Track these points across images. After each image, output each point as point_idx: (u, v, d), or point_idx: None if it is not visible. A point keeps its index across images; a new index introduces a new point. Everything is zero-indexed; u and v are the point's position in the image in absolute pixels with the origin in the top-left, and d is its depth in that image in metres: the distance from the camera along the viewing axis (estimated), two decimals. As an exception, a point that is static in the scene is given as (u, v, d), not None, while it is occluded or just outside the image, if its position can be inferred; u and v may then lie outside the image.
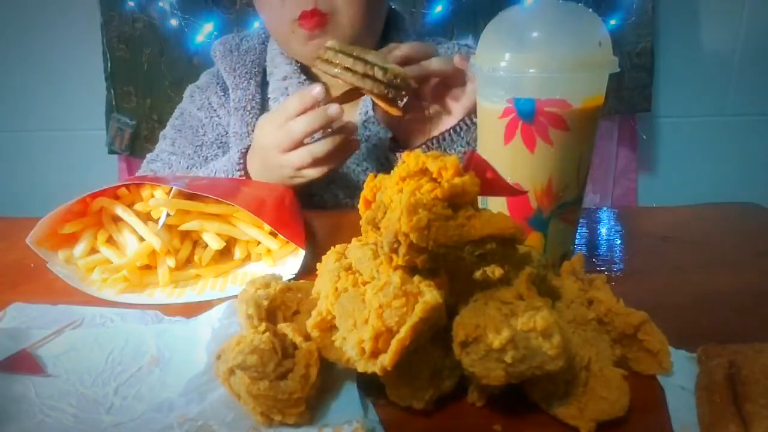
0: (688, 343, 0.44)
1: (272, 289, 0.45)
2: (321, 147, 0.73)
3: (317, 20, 0.82)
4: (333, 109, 0.71)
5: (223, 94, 0.97)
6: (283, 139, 0.73)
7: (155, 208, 0.60)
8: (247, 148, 0.81)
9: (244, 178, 0.80)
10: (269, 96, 0.94)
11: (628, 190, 1.71)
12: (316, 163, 0.73)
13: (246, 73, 0.95)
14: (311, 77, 0.92)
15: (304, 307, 0.45)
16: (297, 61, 0.92)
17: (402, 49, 0.75)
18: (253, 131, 0.89)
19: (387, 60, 0.72)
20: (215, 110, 0.98)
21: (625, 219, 0.78)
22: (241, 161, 0.81)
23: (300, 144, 0.73)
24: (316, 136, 0.74)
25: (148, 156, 1.00)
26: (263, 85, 0.95)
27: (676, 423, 0.37)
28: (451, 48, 0.99)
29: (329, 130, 0.74)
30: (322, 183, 0.85)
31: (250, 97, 0.93)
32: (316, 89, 0.71)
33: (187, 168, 0.94)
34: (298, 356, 0.38)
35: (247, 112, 0.93)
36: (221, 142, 0.97)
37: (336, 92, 0.74)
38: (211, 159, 0.94)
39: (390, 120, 0.81)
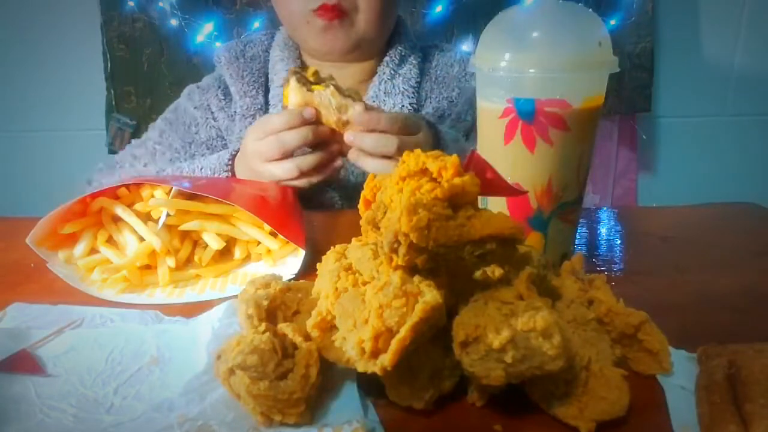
0: (688, 343, 0.44)
1: (272, 289, 0.45)
2: (308, 161, 0.74)
3: (336, 13, 0.83)
4: (308, 112, 0.72)
5: (224, 98, 0.98)
6: (269, 150, 0.73)
7: (155, 208, 0.60)
8: (237, 151, 0.82)
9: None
10: (270, 102, 0.95)
11: (628, 190, 1.71)
12: (302, 176, 0.74)
13: (254, 81, 0.95)
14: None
15: (304, 307, 0.45)
16: None
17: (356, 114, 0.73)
18: None
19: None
20: (213, 112, 0.98)
21: (625, 219, 0.78)
22: (230, 163, 0.81)
23: (288, 156, 0.73)
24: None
25: (133, 141, 1.00)
26: (266, 92, 0.96)
27: (676, 423, 0.37)
28: (452, 57, 0.99)
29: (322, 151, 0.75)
30: (317, 188, 0.86)
31: (258, 106, 0.94)
32: (307, 112, 0.72)
33: (170, 161, 0.94)
34: (298, 356, 0.38)
35: (254, 120, 0.93)
36: (211, 144, 0.97)
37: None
38: (198, 157, 0.95)
39: None
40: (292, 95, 0.74)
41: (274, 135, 0.73)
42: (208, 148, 0.97)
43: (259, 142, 0.74)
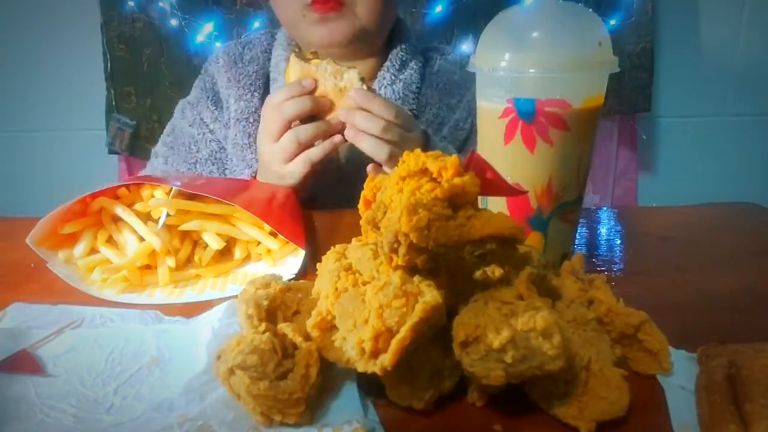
0: (688, 343, 0.44)
1: (272, 289, 0.45)
2: (306, 130, 0.75)
3: (331, 5, 0.83)
4: (307, 82, 0.75)
5: (215, 108, 0.97)
6: (271, 124, 0.76)
7: (155, 208, 0.60)
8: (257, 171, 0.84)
9: None
10: None
11: (628, 190, 1.71)
12: (301, 147, 0.75)
13: (250, 84, 0.95)
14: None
15: (304, 307, 0.45)
16: None
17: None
18: (254, 141, 0.90)
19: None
20: (208, 125, 0.98)
21: (625, 219, 0.78)
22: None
23: (288, 127, 0.76)
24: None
25: (141, 174, 1.01)
26: (264, 94, 0.96)
27: (676, 423, 0.37)
28: (454, 62, 0.99)
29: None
30: (320, 187, 0.86)
31: (253, 109, 0.94)
32: (306, 82, 0.75)
33: None
34: (298, 356, 0.38)
35: (250, 124, 0.93)
36: (215, 158, 0.97)
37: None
38: (206, 175, 0.95)
39: None
40: (291, 71, 0.78)
41: (276, 109, 0.75)
42: (213, 164, 0.97)
43: (265, 121, 0.77)
